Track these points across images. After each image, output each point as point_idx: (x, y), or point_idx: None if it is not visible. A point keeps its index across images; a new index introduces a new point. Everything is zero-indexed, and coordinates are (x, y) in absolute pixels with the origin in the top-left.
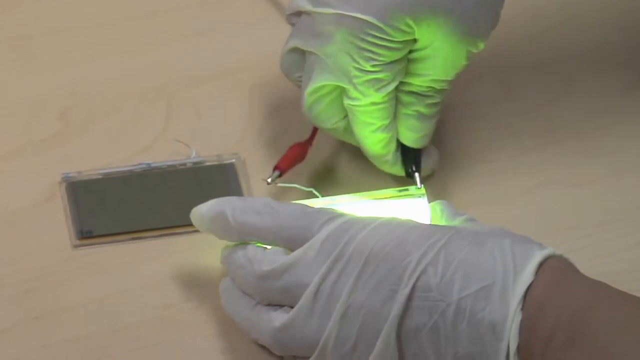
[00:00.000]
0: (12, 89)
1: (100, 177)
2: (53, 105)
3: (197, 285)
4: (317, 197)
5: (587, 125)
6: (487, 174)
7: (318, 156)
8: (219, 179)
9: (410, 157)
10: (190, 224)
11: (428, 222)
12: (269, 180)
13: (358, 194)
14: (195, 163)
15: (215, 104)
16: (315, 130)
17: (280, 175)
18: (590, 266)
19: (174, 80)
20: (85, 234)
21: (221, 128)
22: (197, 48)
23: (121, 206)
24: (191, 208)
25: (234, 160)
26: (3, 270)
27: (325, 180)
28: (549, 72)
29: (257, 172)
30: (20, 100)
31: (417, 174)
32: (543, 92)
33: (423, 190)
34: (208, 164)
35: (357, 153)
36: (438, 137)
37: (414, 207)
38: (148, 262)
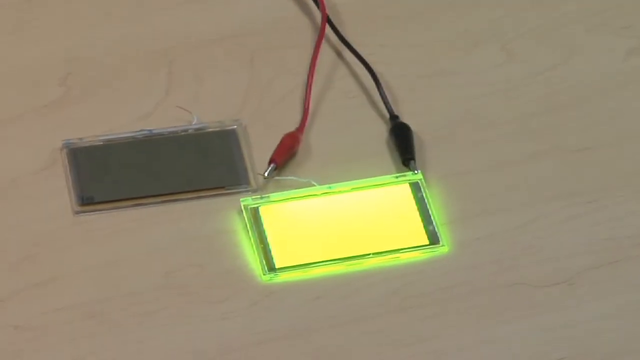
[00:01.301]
0: (13, 55)
1: (101, 143)
2: (54, 71)
3: (198, 251)
4: (315, 186)
5: (589, 90)
6: (488, 140)
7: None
8: (221, 145)
9: (404, 144)
10: (192, 190)
11: (423, 207)
12: (266, 174)
13: (355, 181)
14: (197, 129)
15: (216, 70)
16: (305, 117)
17: (276, 169)
18: (593, 232)
19: (175, 46)
20: (86, 200)
21: (222, 94)
22: (198, 13)
23: (122, 173)
24: (193, 174)
25: (235, 127)
26: (3, 237)
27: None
28: (551, 38)
29: (258, 138)
30: (21, 66)
31: (412, 161)
32: (545, 58)
33: (420, 176)
34: (210, 130)
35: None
36: (437, 104)
37: (408, 192)
38: (149, 229)
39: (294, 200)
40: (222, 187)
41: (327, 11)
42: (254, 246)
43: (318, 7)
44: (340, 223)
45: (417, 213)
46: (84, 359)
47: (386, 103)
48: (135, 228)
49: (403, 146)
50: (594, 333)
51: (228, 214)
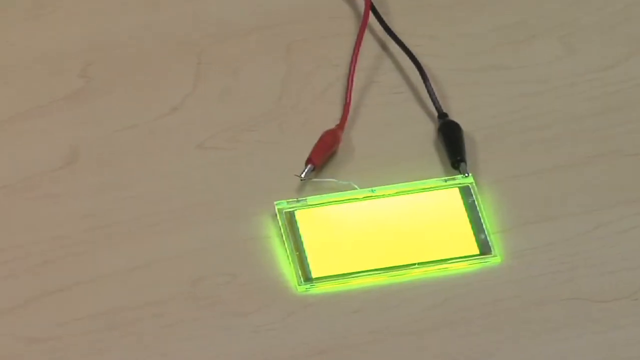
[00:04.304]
0: (30, 44)
1: None
2: (74, 61)
3: (229, 258)
4: (356, 189)
5: None
6: (542, 141)
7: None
8: None
9: (453, 145)
10: None
11: (474, 213)
12: (303, 175)
13: (400, 184)
14: None
15: (249, 62)
16: (345, 114)
17: (314, 169)
18: None
19: (206, 35)
20: None
21: (256, 88)
22: None
23: None
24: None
25: None
26: (20, 240)
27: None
28: (614, 32)
29: (295, 136)
30: (39, 55)
31: (462, 163)
32: (607, 53)
33: (471, 179)
34: None
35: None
36: (490, 100)
37: (457, 197)
38: (176, 233)
39: (333, 204)
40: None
41: None
42: (289, 254)
43: None
44: (382, 230)
45: (468, 220)
46: None
47: (434, 100)
48: (163, 232)
49: (452, 147)
50: None
51: (261, 219)
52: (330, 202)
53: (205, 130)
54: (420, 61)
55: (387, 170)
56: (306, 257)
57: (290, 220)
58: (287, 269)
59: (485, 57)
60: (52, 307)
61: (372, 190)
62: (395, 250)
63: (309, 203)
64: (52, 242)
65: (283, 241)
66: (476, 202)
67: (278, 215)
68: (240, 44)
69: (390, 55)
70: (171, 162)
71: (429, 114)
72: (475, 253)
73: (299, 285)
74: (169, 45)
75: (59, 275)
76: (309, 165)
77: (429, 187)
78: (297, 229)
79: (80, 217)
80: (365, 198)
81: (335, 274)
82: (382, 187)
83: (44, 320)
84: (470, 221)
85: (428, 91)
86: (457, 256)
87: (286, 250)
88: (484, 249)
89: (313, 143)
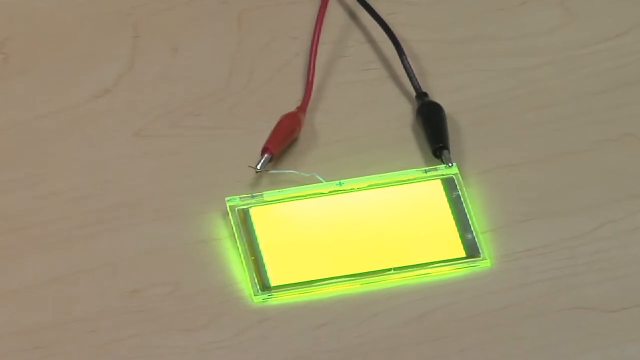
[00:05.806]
0: None
1: None
2: None
3: (171, 265)
4: (321, 182)
5: None
6: (542, 124)
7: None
8: None
9: (435, 130)
10: None
11: (459, 209)
12: (259, 166)
13: (372, 177)
14: None
15: (194, 35)
16: (308, 94)
17: (271, 160)
18: None
19: (143, 3)
20: None
21: (202, 65)
22: None
23: None
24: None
25: None
26: None
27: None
28: None
29: (249, 120)
30: None
31: (445, 151)
32: (614, 20)
33: (456, 169)
34: None
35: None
36: (477, 78)
37: (440, 191)
38: (109, 236)
39: (294, 200)
40: None
41: None
42: (243, 259)
43: None
44: (352, 230)
45: (452, 217)
46: None
47: (411, 77)
48: (94, 234)
49: (433, 132)
50: None
51: (209, 218)
52: (290, 198)
53: (143, 116)
54: (394, 32)
55: (357, 160)
56: (263, 263)
57: (244, 219)
58: (241, 277)
59: (471, 26)
60: None
61: (340, 184)
62: (368, 254)
63: (265, 199)
64: None
65: (236, 244)
66: (462, 197)
67: (230, 214)
68: (184, 13)
69: (360, 26)
70: (103, 153)
71: (406, 93)
72: (461, 256)
73: (255, 295)
74: (100, 16)
75: None
76: (265, 155)
77: (406, 179)
78: (253, 229)
79: None
80: (331, 192)
81: (297, 281)
82: (352, 179)
83: None
84: (455, 219)
85: (404, 67)
86: (440, 260)
87: (240, 255)
88: (471, 251)
89: (270, 129)
